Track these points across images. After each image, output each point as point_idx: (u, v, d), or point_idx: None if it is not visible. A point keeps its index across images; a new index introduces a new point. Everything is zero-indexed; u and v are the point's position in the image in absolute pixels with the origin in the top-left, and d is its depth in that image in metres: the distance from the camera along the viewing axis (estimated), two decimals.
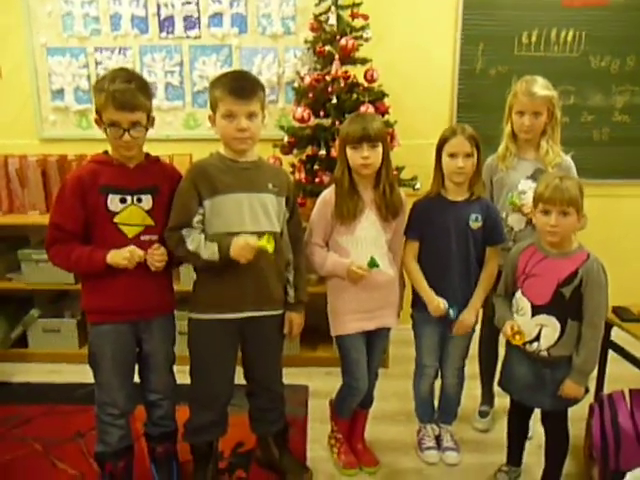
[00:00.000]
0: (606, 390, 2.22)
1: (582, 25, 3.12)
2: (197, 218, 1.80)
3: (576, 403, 1.88)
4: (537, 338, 1.83)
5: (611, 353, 2.27)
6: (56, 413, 2.51)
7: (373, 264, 1.93)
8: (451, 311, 2.02)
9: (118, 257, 1.72)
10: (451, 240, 2.02)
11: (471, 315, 2.07)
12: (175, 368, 1.98)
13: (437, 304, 2.02)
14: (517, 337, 1.83)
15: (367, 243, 1.99)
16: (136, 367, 1.92)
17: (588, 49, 3.16)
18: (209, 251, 1.76)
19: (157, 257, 1.77)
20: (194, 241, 1.77)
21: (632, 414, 1.97)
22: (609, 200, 3.22)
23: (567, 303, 1.78)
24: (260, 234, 1.78)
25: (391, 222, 2.02)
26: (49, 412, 2.52)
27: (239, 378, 1.99)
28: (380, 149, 1.92)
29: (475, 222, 2.03)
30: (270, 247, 1.76)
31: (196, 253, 1.77)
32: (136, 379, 1.93)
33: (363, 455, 2.20)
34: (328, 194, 2.01)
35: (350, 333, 2.03)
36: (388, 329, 2.13)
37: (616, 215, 3.27)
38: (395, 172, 2.83)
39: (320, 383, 2.38)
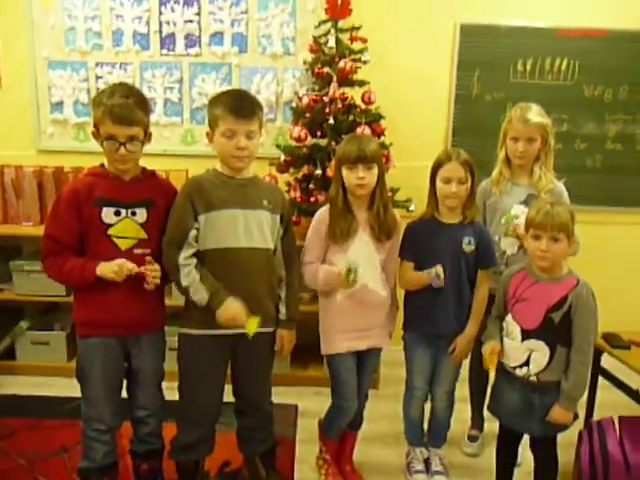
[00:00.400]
0: (595, 417, 2.22)
1: (576, 55, 3.18)
2: (193, 233, 1.80)
3: (565, 429, 1.87)
4: (527, 363, 1.83)
5: (601, 380, 2.27)
6: (42, 427, 2.48)
7: (349, 272, 1.90)
8: (438, 271, 1.98)
9: (107, 270, 1.72)
10: (444, 263, 2.02)
11: (465, 342, 2.08)
12: (164, 384, 1.96)
13: (431, 276, 1.99)
14: (487, 363, 1.85)
15: (360, 263, 2.00)
16: (124, 383, 1.91)
17: (582, 78, 3.21)
18: (199, 296, 1.77)
19: (153, 273, 1.76)
20: (188, 277, 1.77)
21: (621, 441, 1.97)
22: (602, 227, 3.24)
23: (556, 328, 1.79)
24: (252, 316, 1.79)
25: (385, 243, 2.03)
26: (35, 426, 2.48)
27: (227, 396, 1.98)
28: (375, 170, 1.94)
29: (468, 245, 2.04)
30: (251, 333, 1.78)
31: (187, 289, 1.78)
32: (124, 395, 1.91)
33: (351, 477, 2.18)
34: (323, 213, 2.02)
35: (341, 352, 2.03)
36: (379, 349, 2.13)
37: (608, 242, 3.29)
38: (390, 194, 2.85)
39: (310, 403, 2.36)
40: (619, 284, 3.22)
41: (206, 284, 1.78)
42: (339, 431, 2.16)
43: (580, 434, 2.08)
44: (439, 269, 1.98)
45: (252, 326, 1.77)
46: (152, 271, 1.76)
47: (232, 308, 1.77)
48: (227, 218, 1.82)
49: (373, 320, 2.05)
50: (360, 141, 1.97)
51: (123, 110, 1.70)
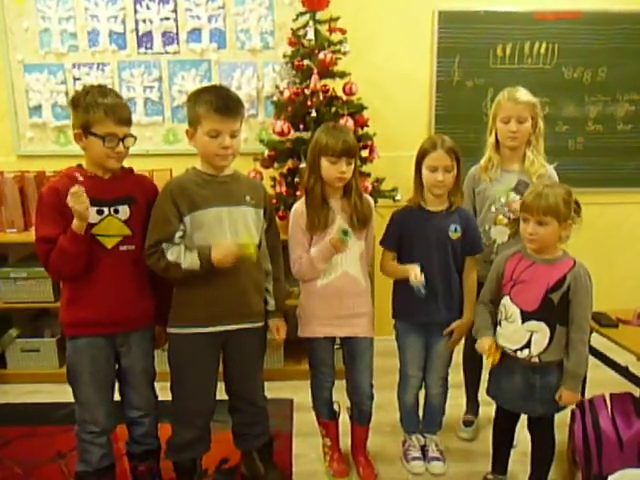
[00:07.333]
0: (587, 395, 2.24)
1: (554, 38, 3.20)
2: (179, 234, 1.80)
3: (565, 408, 1.91)
4: (528, 345, 1.84)
5: (590, 358, 2.29)
6: (36, 434, 2.46)
7: (345, 233, 1.90)
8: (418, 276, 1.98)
9: (75, 206, 1.64)
10: (431, 251, 2.03)
11: (463, 329, 2.10)
12: (157, 385, 1.96)
13: (414, 273, 1.97)
14: (490, 359, 1.86)
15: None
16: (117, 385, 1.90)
17: (561, 61, 3.24)
18: (189, 260, 1.76)
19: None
20: (174, 252, 1.77)
21: (613, 418, 1.99)
22: (584, 208, 3.26)
23: (556, 308, 1.81)
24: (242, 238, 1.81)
25: (361, 230, 2.03)
26: (29, 433, 2.47)
27: (221, 394, 1.98)
28: (353, 163, 1.96)
29: (455, 233, 2.04)
30: (252, 251, 1.78)
31: (176, 263, 1.76)
32: (117, 397, 1.90)
33: (364, 466, 2.20)
34: (299, 206, 2.03)
35: (318, 336, 2.06)
36: (368, 341, 2.11)
37: (592, 223, 3.30)
38: (375, 183, 2.86)
39: (305, 396, 2.36)
40: (603, 264, 3.25)
41: (190, 248, 1.78)
42: (327, 406, 2.20)
43: (573, 412, 2.10)
44: (419, 276, 1.97)
45: (248, 247, 1.77)
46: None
47: (222, 244, 1.77)
48: (212, 216, 1.81)
49: (353, 308, 2.06)
50: (344, 133, 1.96)
51: (123, 109, 1.76)
